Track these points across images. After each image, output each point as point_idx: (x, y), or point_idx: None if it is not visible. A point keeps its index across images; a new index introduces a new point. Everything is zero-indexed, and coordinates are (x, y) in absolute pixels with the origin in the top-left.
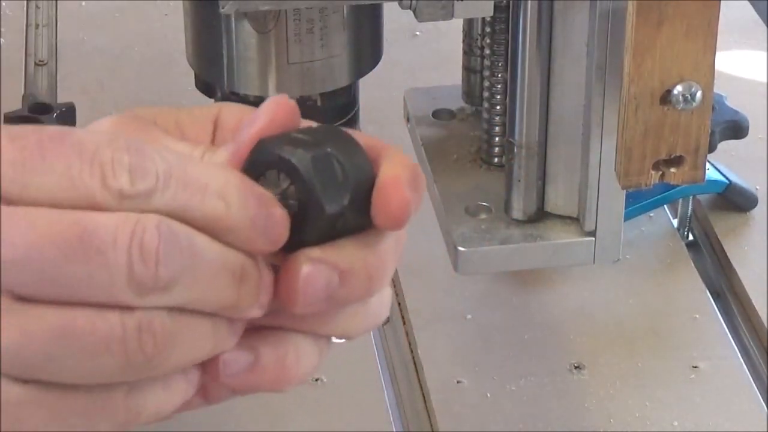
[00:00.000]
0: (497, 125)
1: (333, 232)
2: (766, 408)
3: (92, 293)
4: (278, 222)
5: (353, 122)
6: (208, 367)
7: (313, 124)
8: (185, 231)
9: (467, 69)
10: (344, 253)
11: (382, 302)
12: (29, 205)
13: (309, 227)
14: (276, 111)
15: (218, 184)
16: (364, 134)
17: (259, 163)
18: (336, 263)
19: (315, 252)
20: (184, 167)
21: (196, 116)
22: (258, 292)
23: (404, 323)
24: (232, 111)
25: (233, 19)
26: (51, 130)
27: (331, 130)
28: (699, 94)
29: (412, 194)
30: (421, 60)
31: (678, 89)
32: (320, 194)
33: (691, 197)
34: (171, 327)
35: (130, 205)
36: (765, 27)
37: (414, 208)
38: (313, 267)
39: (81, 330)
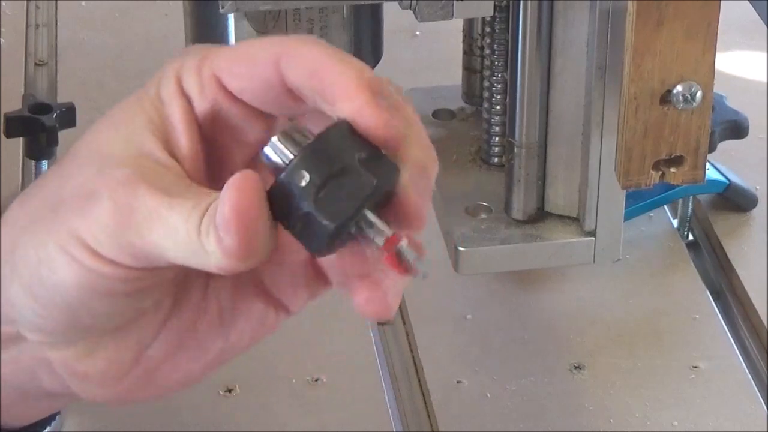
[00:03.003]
0: (497, 125)
1: None
2: (766, 408)
3: None
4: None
5: None
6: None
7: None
8: None
9: (467, 69)
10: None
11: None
12: None
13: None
14: None
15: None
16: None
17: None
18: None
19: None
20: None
21: None
22: None
23: (404, 323)
24: None
25: (233, 19)
26: None
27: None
28: (699, 94)
29: (421, 198)
30: (421, 60)
31: (678, 89)
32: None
33: (691, 197)
34: None
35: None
36: (765, 27)
37: (426, 206)
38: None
39: None
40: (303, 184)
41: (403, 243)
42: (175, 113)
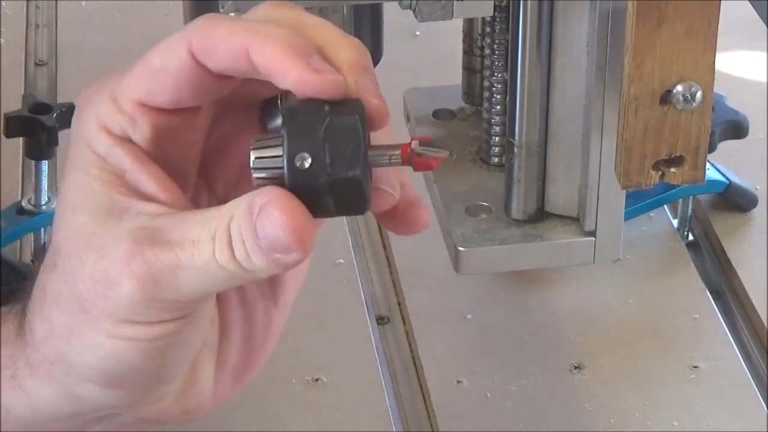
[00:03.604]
0: (497, 125)
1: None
2: (766, 408)
3: None
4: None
5: None
6: None
7: None
8: None
9: (467, 69)
10: None
11: None
12: None
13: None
14: None
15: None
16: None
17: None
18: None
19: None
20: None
21: None
22: None
23: (404, 323)
24: None
25: None
26: None
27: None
28: (699, 94)
29: (376, 96)
30: (421, 60)
31: (678, 89)
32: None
33: (691, 197)
34: None
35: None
36: (765, 27)
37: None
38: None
39: None
40: (308, 164)
41: (414, 144)
42: (122, 159)
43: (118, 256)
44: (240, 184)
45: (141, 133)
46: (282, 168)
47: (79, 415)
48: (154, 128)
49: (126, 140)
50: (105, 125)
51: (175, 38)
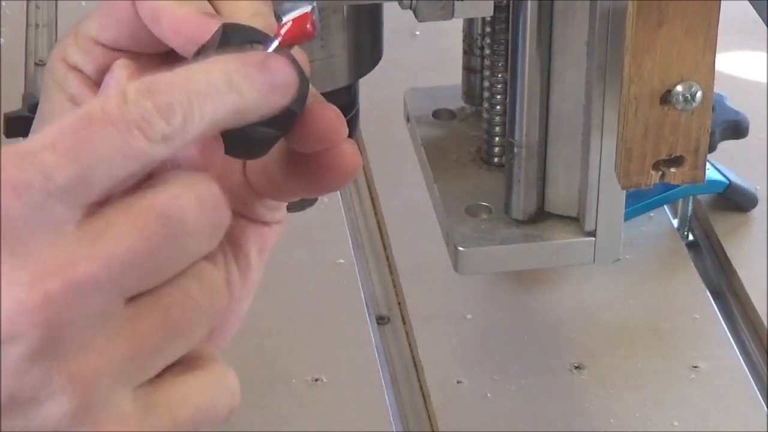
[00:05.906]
0: (497, 125)
1: None
2: (766, 408)
3: (184, 261)
4: (285, 73)
5: (353, 122)
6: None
7: None
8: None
9: (467, 69)
10: None
11: None
12: (102, 194)
13: None
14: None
15: (223, 79)
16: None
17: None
18: None
19: None
20: (191, 80)
21: None
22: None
23: (404, 323)
24: None
25: None
26: (63, 127)
27: None
28: (699, 94)
29: None
30: (421, 60)
31: (678, 89)
32: None
33: (691, 197)
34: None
35: (175, 144)
36: (765, 27)
37: None
38: None
39: (178, 317)
40: None
41: (284, 22)
42: (72, 85)
43: None
44: None
45: (88, 67)
46: None
47: None
48: (99, 66)
49: (77, 71)
50: (64, 56)
51: None
